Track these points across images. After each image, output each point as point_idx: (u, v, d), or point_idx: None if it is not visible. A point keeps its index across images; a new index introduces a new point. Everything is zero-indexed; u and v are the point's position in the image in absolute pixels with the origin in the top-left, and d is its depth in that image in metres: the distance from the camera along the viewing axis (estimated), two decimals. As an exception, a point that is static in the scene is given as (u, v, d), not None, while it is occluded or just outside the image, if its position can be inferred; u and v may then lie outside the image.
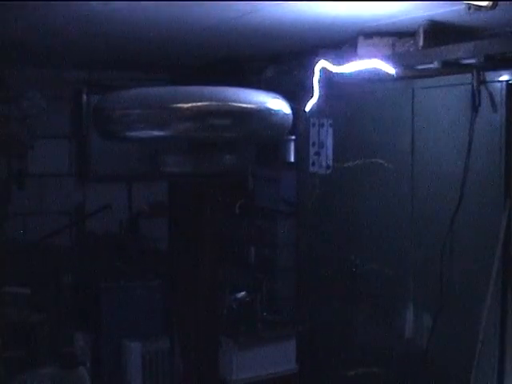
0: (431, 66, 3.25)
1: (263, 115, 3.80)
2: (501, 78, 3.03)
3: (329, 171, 4.12)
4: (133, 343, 4.45)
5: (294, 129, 4.18)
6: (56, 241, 4.83)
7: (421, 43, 3.25)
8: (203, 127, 3.69)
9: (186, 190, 4.62)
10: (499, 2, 2.49)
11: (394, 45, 3.37)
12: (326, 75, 3.62)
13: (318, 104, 3.82)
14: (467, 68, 3.11)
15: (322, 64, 3.52)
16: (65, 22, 3.07)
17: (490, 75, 3.06)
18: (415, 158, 3.48)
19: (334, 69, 3.48)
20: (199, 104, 3.66)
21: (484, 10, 2.53)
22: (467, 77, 3.11)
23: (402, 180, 3.56)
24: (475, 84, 3.07)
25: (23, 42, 3.67)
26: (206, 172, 4.06)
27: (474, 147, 3.13)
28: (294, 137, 4.42)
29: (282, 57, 4.26)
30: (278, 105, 3.88)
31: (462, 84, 3.17)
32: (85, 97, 4.92)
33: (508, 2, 2.54)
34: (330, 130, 4.09)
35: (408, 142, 3.51)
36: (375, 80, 3.57)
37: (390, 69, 3.34)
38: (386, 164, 3.67)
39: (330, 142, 4.10)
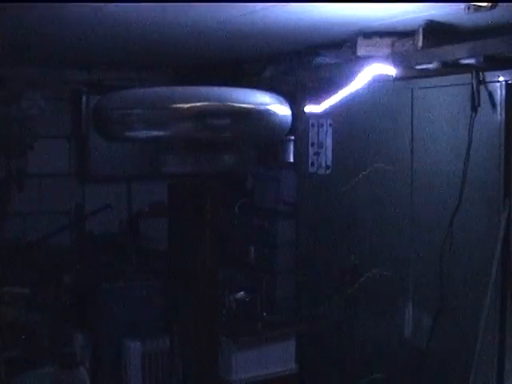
0: (430, 66, 3.25)
1: (263, 115, 3.79)
2: (500, 78, 3.03)
3: (328, 171, 4.12)
4: (133, 343, 4.45)
5: (293, 129, 4.17)
6: (56, 241, 4.84)
7: (420, 43, 3.25)
8: (203, 127, 3.69)
9: (186, 190, 4.62)
10: (499, 2, 2.49)
11: (393, 45, 3.38)
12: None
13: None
14: (467, 68, 3.11)
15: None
16: (65, 23, 3.08)
17: (489, 75, 3.06)
18: (415, 158, 3.48)
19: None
20: (199, 104, 3.65)
21: (483, 10, 2.53)
22: (467, 77, 3.11)
23: (402, 180, 3.56)
24: (475, 84, 3.07)
25: (23, 43, 3.67)
26: (206, 172, 4.06)
27: (473, 147, 3.13)
28: (293, 137, 4.42)
29: (282, 57, 4.26)
30: (277, 105, 3.87)
31: (461, 84, 3.18)
32: (85, 97, 4.92)
33: (508, 2, 2.55)
34: (330, 131, 4.10)
35: (407, 142, 3.51)
36: (375, 80, 3.57)
37: (389, 70, 3.34)
38: (385, 164, 3.67)
39: (329, 143, 4.10)
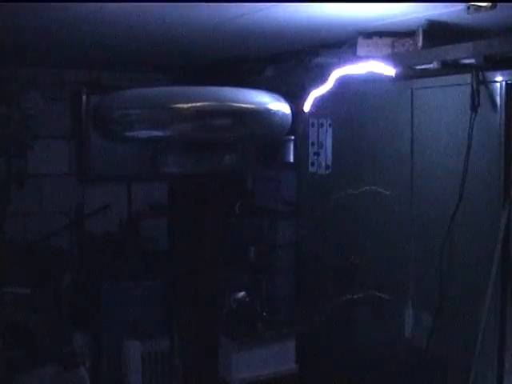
0: (430, 66, 3.25)
1: (263, 115, 3.80)
2: (500, 78, 3.03)
3: (328, 171, 4.12)
4: (133, 343, 4.45)
5: (293, 129, 4.18)
6: (56, 241, 4.84)
7: (420, 43, 3.25)
8: (203, 127, 3.69)
9: (186, 190, 4.63)
10: (499, 2, 2.49)
11: (393, 45, 3.38)
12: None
13: (317, 104, 3.82)
14: (467, 68, 3.11)
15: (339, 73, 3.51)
16: (64, 23, 3.08)
17: (489, 75, 3.06)
18: (414, 158, 3.48)
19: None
20: (199, 104, 3.66)
21: (483, 10, 2.53)
22: (467, 77, 3.11)
23: (402, 180, 3.56)
24: (474, 84, 3.06)
25: (23, 42, 3.67)
26: (206, 172, 4.06)
27: (473, 147, 3.13)
28: (293, 137, 4.42)
29: (282, 57, 4.26)
30: (277, 105, 3.88)
31: (461, 84, 3.17)
32: (84, 97, 4.92)
33: (508, 2, 2.55)
34: (330, 130, 4.10)
35: (407, 142, 3.51)
36: (375, 80, 3.58)
37: (388, 69, 3.35)
38: (385, 164, 3.67)
39: (329, 142, 4.10)
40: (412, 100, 3.48)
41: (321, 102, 3.85)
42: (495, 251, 3.03)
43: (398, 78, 3.42)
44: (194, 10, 2.83)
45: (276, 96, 3.94)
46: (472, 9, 2.56)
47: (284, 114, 3.92)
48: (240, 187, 4.83)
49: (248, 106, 3.75)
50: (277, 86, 4.15)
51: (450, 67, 3.20)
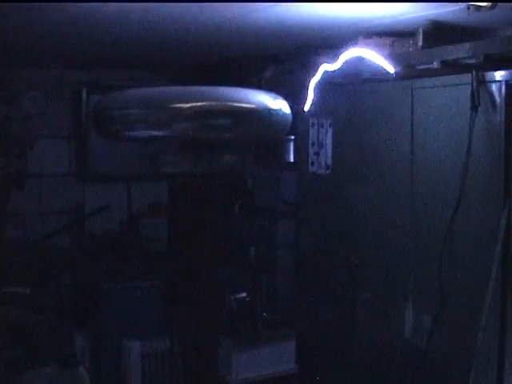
0: (431, 65, 3.25)
1: (263, 115, 3.80)
2: (500, 78, 3.03)
3: (328, 171, 4.12)
4: (132, 343, 4.46)
5: (293, 129, 4.17)
6: (56, 241, 4.84)
7: (420, 43, 3.25)
8: (203, 127, 3.69)
9: (186, 190, 4.62)
10: (499, 2, 2.49)
11: (393, 45, 3.38)
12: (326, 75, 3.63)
13: (317, 104, 3.82)
14: (467, 68, 3.11)
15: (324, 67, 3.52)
16: (65, 23, 3.08)
17: (489, 75, 3.06)
18: (414, 158, 3.48)
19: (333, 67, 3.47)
20: (199, 104, 3.66)
21: (483, 10, 2.53)
22: (467, 77, 3.11)
23: (402, 180, 3.56)
24: (475, 84, 3.06)
25: (23, 43, 3.67)
26: (205, 172, 4.06)
27: (473, 147, 3.13)
28: (293, 137, 4.42)
29: (282, 57, 4.26)
30: (277, 105, 3.88)
31: (461, 84, 3.17)
32: (85, 97, 4.93)
33: (508, 2, 2.55)
34: (330, 130, 4.09)
35: (407, 142, 3.51)
36: (375, 80, 3.57)
37: (389, 68, 3.35)
38: (385, 164, 3.67)
39: (329, 142, 4.10)
40: (412, 100, 3.47)
41: (321, 102, 3.85)
42: (495, 251, 3.03)
43: (398, 77, 3.42)
44: (194, 10, 2.83)
45: (276, 96, 3.94)
46: (472, 9, 2.56)
47: (284, 114, 3.92)
48: (240, 187, 4.83)
49: (248, 105, 3.75)
50: (277, 86, 4.15)
51: (450, 67, 3.20)
